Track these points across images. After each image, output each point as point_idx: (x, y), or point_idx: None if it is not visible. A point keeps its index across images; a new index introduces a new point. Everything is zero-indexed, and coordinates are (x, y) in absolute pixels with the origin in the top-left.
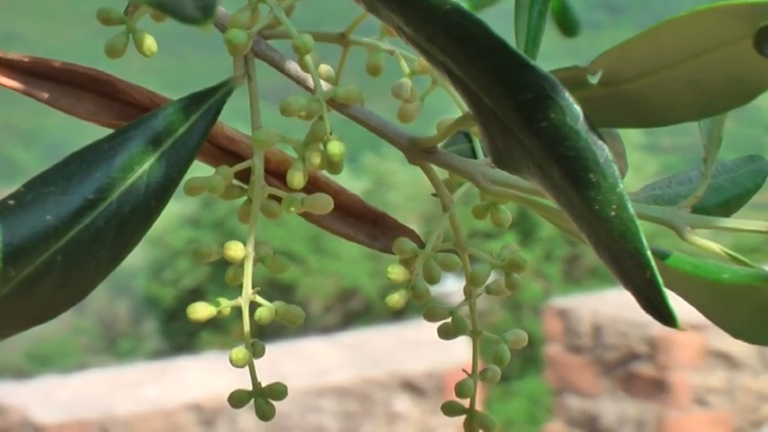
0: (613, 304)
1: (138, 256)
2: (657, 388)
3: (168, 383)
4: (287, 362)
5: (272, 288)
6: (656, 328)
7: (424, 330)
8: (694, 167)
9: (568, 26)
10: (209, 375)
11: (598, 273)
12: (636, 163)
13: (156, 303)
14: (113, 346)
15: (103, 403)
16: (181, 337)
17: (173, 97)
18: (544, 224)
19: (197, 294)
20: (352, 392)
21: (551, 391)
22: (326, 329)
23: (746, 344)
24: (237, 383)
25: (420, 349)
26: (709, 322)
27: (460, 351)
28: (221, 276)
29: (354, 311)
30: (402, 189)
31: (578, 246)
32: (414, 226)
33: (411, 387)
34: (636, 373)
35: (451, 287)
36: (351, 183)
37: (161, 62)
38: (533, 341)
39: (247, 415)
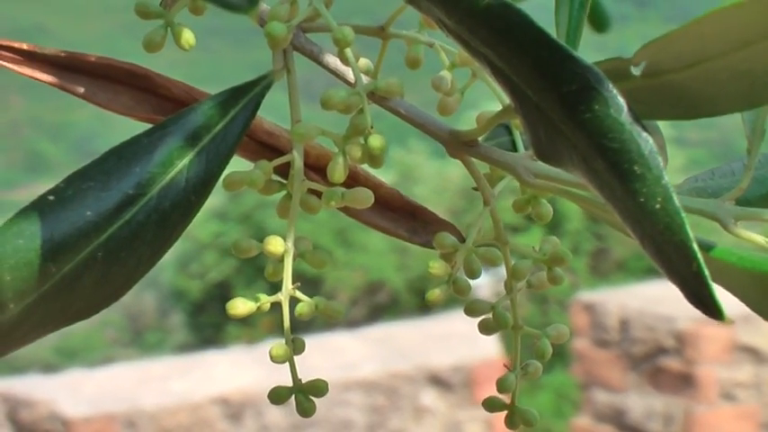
0: (640, 298)
1: None
2: (685, 382)
3: (195, 377)
4: (314, 356)
5: (299, 281)
6: (683, 322)
7: (451, 324)
8: (721, 161)
9: (599, 21)
10: (235, 369)
11: (625, 266)
12: None
13: (182, 296)
14: (140, 340)
15: (130, 396)
16: (207, 330)
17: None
18: (571, 217)
19: (224, 287)
20: (379, 386)
21: (578, 386)
22: (353, 323)
23: None
24: (264, 377)
25: (447, 343)
26: (737, 316)
27: (488, 345)
28: (248, 269)
29: (381, 305)
30: (429, 182)
31: (605, 239)
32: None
33: (438, 381)
34: (663, 368)
35: (479, 280)
36: (376, 171)
37: (188, 56)
38: None
39: (274, 409)
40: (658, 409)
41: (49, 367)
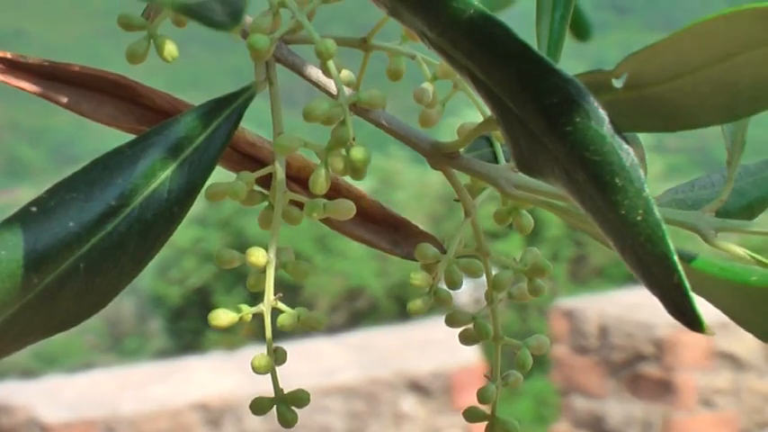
0: (620, 305)
1: None
2: (664, 389)
3: (174, 383)
4: (293, 361)
5: (278, 287)
6: (662, 329)
7: (430, 330)
8: (700, 168)
9: (581, 30)
10: (215, 375)
11: (604, 273)
12: None
13: (162, 302)
14: (119, 345)
15: (109, 402)
16: (187, 336)
17: (181, 97)
18: (550, 224)
19: (203, 293)
20: (359, 392)
21: (557, 392)
22: (333, 329)
23: (752, 345)
24: (244, 383)
25: (427, 349)
26: (715, 323)
27: (467, 352)
28: (228, 275)
29: (361, 311)
30: (408, 189)
31: (585, 246)
32: (420, 226)
33: (418, 387)
34: (642, 374)
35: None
36: (357, 183)
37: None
38: None
39: (253, 415)
40: (637, 416)
41: (27, 373)
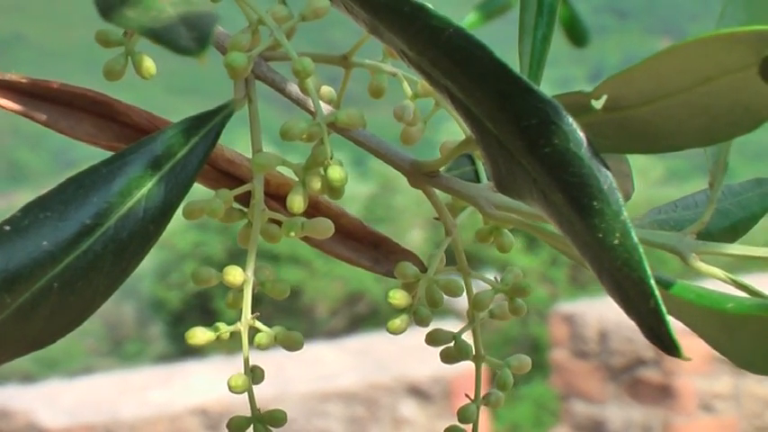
0: (620, 310)
1: (144, 260)
2: (663, 393)
3: (174, 387)
4: (293, 366)
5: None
6: None
7: None
8: (700, 172)
9: (578, 36)
10: (215, 379)
11: None
12: (641, 167)
13: (162, 306)
14: (119, 350)
15: (109, 407)
16: None
17: (180, 102)
18: None
19: (203, 297)
20: (359, 397)
21: (557, 397)
22: (332, 334)
23: None
24: None
25: (426, 354)
26: None
27: None
28: None
29: (360, 315)
30: (408, 193)
31: None
32: (419, 230)
33: (417, 392)
34: (642, 379)
35: None
36: (357, 187)
37: (166, 66)
38: (540, 346)
39: None
40: (637, 420)
41: (27, 377)
